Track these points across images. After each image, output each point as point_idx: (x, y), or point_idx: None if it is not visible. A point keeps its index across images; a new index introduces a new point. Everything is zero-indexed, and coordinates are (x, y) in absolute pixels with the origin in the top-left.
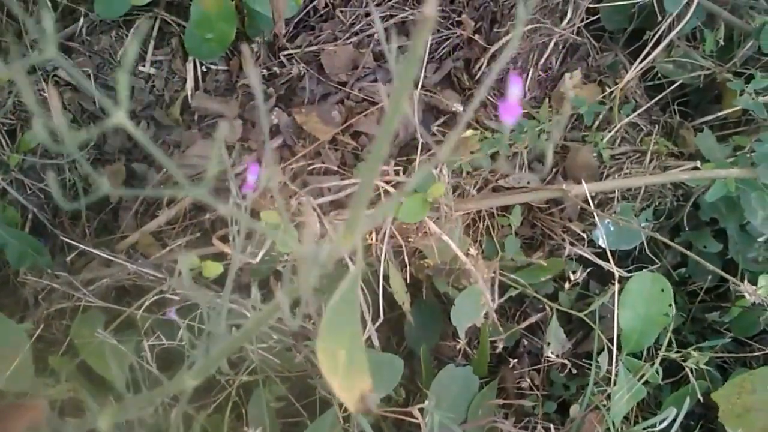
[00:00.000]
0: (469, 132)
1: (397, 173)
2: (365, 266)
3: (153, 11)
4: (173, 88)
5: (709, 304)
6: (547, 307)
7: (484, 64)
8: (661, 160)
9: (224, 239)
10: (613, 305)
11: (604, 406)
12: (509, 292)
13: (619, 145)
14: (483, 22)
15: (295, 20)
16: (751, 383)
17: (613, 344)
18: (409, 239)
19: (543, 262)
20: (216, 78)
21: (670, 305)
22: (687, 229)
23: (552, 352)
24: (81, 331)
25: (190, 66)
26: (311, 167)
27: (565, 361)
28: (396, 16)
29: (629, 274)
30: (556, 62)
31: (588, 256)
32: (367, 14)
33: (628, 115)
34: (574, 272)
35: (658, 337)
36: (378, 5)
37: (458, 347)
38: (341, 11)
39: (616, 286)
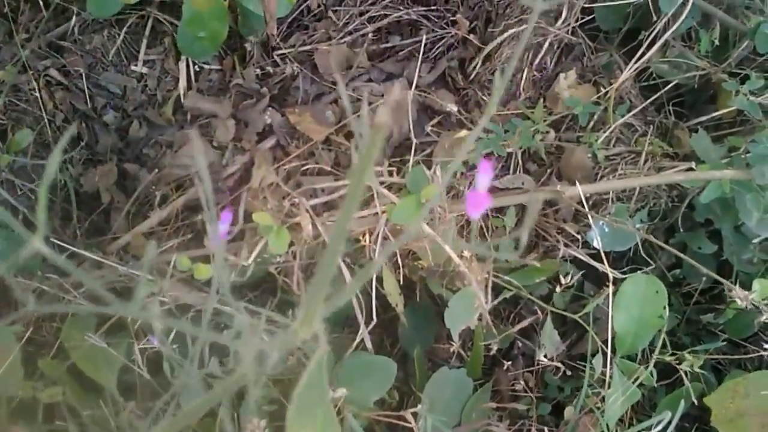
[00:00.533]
0: (463, 132)
1: (390, 174)
2: (358, 268)
3: (145, 10)
4: (166, 87)
5: (703, 306)
6: (541, 311)
7: (479, 64)
8: (656, 160)
9: None
10: (608, 307)
11: (599, 408)
12: (503, 294)
13: (614, 146)
14: (478, 22)
15: (289, 19)
16: (745, 387)
17: (607, 346)
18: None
19: (537, 263)
20: (209, 77)
21: (665, 308)
22: (682, 230)
23: (546, 356)
24: (71, 334)
25: (182, 65)
26: (305, 167)
27: (559, 365)
28: (390, 15)
29: (624, 276)
30: (550, 62)
31: (582, 258)
32: (361, 13)
33: (623, 116)
34: (567, 275)
35: (652, 339)
36: (372, 4)
37: (452, 350)
38: (334, 10)
39: (611, 288)
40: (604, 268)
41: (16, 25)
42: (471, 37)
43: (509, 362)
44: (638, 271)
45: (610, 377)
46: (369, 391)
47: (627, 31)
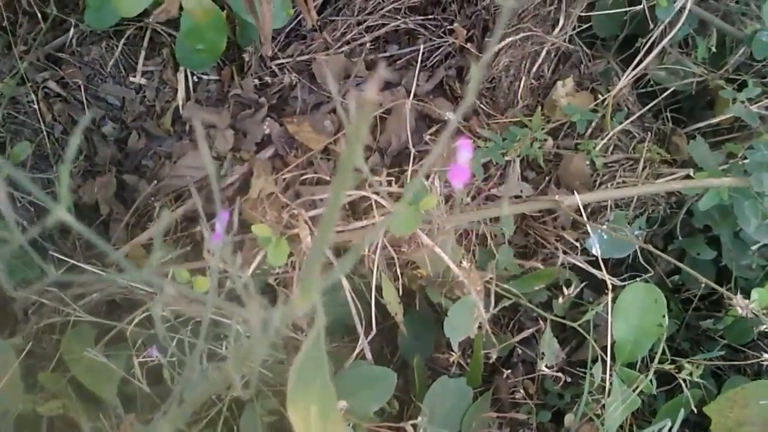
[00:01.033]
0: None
1: (389, 183)
2: (358, 277)
3: (143, 21)
4: (164, 98)
5: (703, 312)
6: (541, 318)
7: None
8: (654, 167)
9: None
10: (607, 314)
11: (599, 416)
12: (503, 302)
13: (612, 153)
14: (475, 30)
15: (287, 30)
16: (744, 397)
17: (607, 354)
18: (402, 250)
19: (537, 268)
20: (207, 88)
21: (664, 316)
22: (680, 236)
23: (546, 365)
24: (71, 347)
25: (181, 76)
26: (303, 177)
27: (559, 374)
28: (387, 24)
29: (623, 283)
30: (548, 70)
31: (581, 265)
32: (359, 23)
33: (620, 123)
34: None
35: (652, 346)
36: (370, 14)
37: (452, 359)
38: (332, 20)
39: (610, 296)
40: (603, 275)
41: (15, 37)
42: (468, 45)
43: (509, 370)
44: (637, 278)
45: (610, 385)
46: (369, 401)
47: (624, 39)
